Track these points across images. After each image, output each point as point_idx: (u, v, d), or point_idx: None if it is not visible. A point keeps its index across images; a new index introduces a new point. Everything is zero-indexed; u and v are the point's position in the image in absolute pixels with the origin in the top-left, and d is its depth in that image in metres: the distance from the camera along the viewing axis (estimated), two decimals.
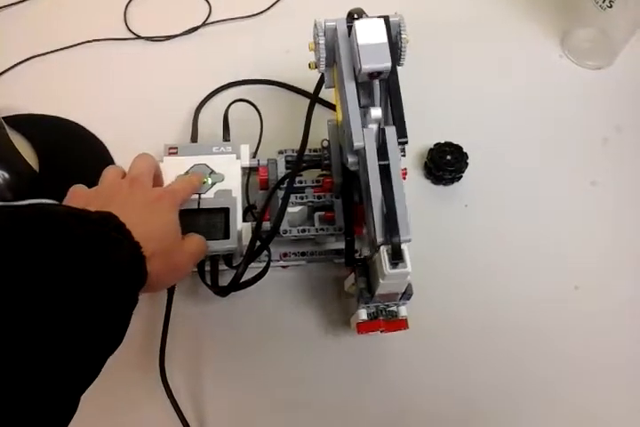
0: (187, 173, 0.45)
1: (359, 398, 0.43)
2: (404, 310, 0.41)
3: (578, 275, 0.47)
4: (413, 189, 0.50)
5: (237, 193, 0.44)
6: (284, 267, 0.47)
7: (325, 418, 0.42)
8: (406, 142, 0.37)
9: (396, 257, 0.35)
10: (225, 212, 0.43)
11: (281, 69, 0.54)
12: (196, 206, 0.43)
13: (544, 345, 0.45)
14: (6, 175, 0.47)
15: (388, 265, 0.35)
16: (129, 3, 0.60)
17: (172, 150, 0.46)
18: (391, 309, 0.41)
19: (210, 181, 0.44)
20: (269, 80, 0.54)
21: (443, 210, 0.50)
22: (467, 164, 0.51)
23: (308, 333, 0.45)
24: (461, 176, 0.52)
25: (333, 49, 0.38)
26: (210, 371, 0.43)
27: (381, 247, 0.36)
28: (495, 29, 0.60)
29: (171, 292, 0.43)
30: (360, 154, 0.38)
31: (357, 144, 0.36)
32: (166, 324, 0.43)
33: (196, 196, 0.44)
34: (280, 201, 0.43)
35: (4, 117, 0.49)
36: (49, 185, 0.48)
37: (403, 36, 0.37)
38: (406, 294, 0.39)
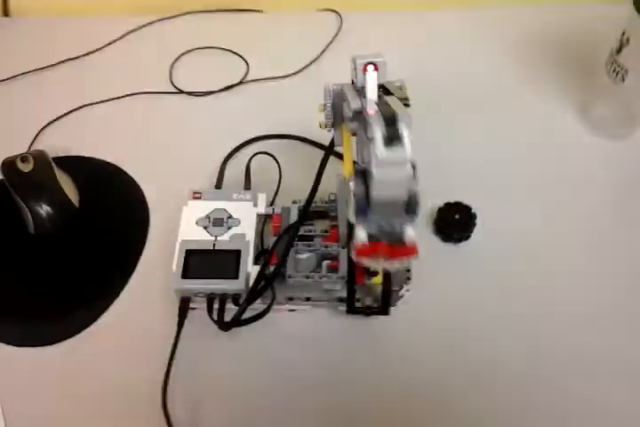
0: (207, 216, 0.49)
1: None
2: (410, 231, 0.35)
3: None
4: (425, 246, 0.53)
5: (251, 237, 0.48)
6: (290, 310, 0.51)
7: None
8: None
9: (392, 133, 0.31)
10: (237, 253, 0.47)
11: (307, 125, 0.58)
12: (211, 247, 0.47)
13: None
14: (49, 209, 0.52)
15: (380, 145, 0.31)
16: (175, 60, 0.66)
17: (197, 195, 0.50)
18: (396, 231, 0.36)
19: (228, 224, 0.49)
20: (291, 135, 0.59)
21: (450, 266, 0.53)
22: (475, 224, 0.54)
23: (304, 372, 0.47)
24: (469, 235, 0.54)
25: (341, 110, 0.42)
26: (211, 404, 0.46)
27: (374, 124, 0.31)
28: (512, 97, 0.63)
29: (180, 325, 0.47)
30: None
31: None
32: (172, 355, 0.46)
33: (213, 238, 0.48)
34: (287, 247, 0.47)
35: (53, 158, 0.56)
36: (86, 220, 0.54)
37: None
38: (411, 207, 0.35)
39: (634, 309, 0.50)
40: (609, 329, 0.49)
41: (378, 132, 0.31)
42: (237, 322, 0.46)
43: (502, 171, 0.58)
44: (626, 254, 0.53)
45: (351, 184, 0.35)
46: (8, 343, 0.48)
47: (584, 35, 0.67)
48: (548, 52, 0.67)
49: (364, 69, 0.38)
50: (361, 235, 0.35)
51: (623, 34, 0.54)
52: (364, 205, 0.34)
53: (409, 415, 0.45)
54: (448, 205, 0.55)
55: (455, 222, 0.54)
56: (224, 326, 0.46)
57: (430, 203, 0.55)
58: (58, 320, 0.49)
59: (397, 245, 0.35)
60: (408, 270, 0.51)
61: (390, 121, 0.31)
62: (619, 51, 0.55)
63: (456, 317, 0.50)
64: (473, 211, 0.54)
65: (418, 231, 0.36)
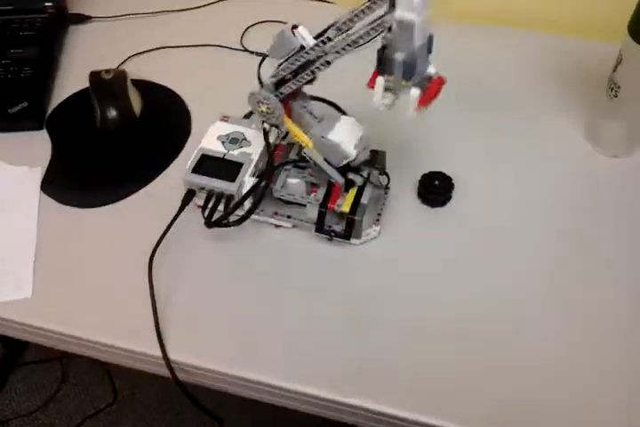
0: (226, 134, 0.62)
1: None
2: (432, 67, 0.49)
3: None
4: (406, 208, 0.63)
5: (255, 157, 0.61)
6: (276, 226, 0.62)
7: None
8: None
9: None
10: (239, 165, 0.60)
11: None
12: (221, 156, 0.60)
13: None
14: (114, 112, 0.67)
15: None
16: (250, 26, 0.81)
17: (224, 118, 0.63)
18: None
19: (240, 144, 0.61)
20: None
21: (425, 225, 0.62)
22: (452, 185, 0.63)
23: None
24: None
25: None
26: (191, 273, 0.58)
27: None
28: (519, 104, 0.72)
29: (179, 211, 0.59)
30: None
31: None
32: (165, 233, 0.58)
33: (225, 151, 0.61)
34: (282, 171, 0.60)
35: (132, 79, 0.71)
36: (142, 125, 0.69)
37: None
38: (430, 47, 0.48)
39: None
40: (580, 279, 0.58)
41: None
42: (220, 223, 0.58)
43: (497, 165, 0.67)
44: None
45: (397, 55, 0.47)
46: (73, 205, 0.64)
47: (596, 67, 0.73)
48: (559, 74, 0.75)
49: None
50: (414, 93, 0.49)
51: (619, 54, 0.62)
52: (414, 61, 0.47)
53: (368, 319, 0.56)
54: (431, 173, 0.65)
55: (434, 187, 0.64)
56: (210, 223, 0.58)
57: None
58: (108, 190, 0.65)
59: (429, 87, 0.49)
60: (379, 215, 0.62)
61: None
62: (614, 69, 0.62)
63: (418, 264, 0.59)
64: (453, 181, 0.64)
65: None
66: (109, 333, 0.55)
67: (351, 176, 0.59)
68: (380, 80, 0.50)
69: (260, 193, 0.58)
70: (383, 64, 0.49)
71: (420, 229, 0.62)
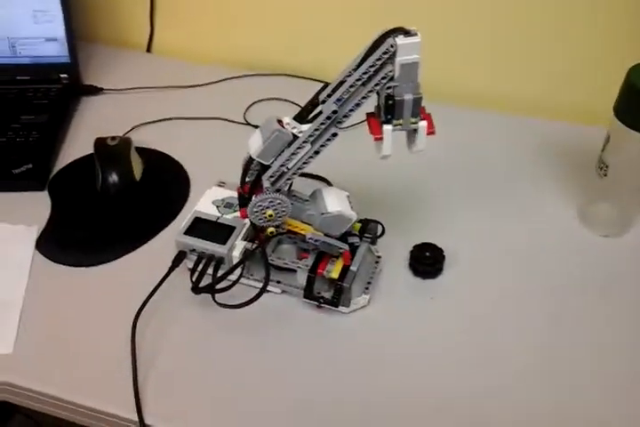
0: (222, 199, 0.63)
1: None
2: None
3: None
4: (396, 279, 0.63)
5: (248, 222, 0.61)
6: (266, 291, 0.62)
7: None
8: None
9: None
10: (231, 229, 0.61)
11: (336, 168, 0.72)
12: (214, 220, 0.61)
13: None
14: (115, 176, 0.69)
15: None
16: (252, 104, 0.84)
17: (221, 184, 0.65)
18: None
19: (234, 208, 0.62)
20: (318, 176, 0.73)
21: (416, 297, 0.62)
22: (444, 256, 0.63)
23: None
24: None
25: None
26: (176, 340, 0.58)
27: None
28: (512, 190, 0.73)
29: (168, 272, 0.59)
30: None
31: None
32: (151, 294, 0.58)
33: (219, 214, 0.62)
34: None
35: (136, 147, 0.73)
36: (142, 190, 0.71)
37: None
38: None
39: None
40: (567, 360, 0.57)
41: None
42: (208, 289, 0.58)
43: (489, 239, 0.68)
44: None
45: (407, 96, 0.51)
46: (66, 264, 0.64)
47: (588, 148, 0.73)
48: (553, 158, 0.77)
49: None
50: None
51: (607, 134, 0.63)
52: (420, 96, 0.51)
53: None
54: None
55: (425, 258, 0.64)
56: (197, 289, 0.58)
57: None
58: (102, 250, 0.66)
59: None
60: (369, 283, 0.61)
61: None
62: (603, 149, 0.64)
63: (405, 335, 0.58)
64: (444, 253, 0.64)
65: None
66: (87, 394, 0.54)
67: (351, 240, 0.59)
68: (389, 127, 0.52)
69: (245, 259, 0.58)
70: (392, 111, 0.51)
71: (409, 301, 0.61)
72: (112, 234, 0.67)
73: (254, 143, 0.54)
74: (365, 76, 0.50)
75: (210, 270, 0.60)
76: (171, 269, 0.60)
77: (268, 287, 0.61)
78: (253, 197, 0.54)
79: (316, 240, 0.57)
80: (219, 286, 0.57)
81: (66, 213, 0.69)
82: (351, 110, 0.52)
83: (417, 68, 0.50)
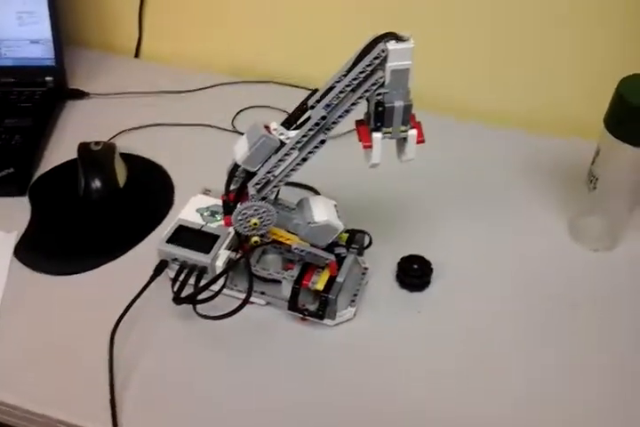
0: (207, 207, 0.62)
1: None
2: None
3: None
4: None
5: (233, 230, 0.60)
6: (249, 303, 0.61)
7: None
8: None
9: None
10: (215, 237, 0.59)
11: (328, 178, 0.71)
12: (198, 228, 0.60)
13: None
14: (98, 182, 0.68)
15: None
16: (239, 111, 0.83)
17: (206, 191, 0.64)
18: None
19: (219, 217, 0.61)
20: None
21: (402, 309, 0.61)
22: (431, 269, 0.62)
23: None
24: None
25: None
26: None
27: None
28: (501, 204, 0.72)
29: (149, 282, 0.58)
30: None
31: None
32: (131, 304, 0.56)
33: (203, 223, 0.60)
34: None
35: (121, 153, 0.72)
36: (125, 196, 0.69)
37: None
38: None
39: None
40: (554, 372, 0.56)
41: None
42: (189, 300, 0.56)
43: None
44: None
45: (397, 103, 0.50)
46: (45, 272, 0.63)
47: (578, 162, 0.74)
48: (544, 171, 0.76)
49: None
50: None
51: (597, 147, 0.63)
52: (411, 103, 0.50)
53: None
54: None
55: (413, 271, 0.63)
56: (178, 300, 0.56)
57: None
58: (82, 258, 0.64)
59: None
60: (355, 295, 0.60)
61: None
62: (593, 162, 0.63)
63: (391, 349, 0.57)
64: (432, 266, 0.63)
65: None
66: (62, 408, 0.52)
67: (338, 251, 0.58)
68: (378, 135, 0.51)
69: (228, 269, 0.57)
70: (382, 118, 0.50)
71: (396, 314, 0.60)
72: (93, 242, 0.65)
73: (240, 149, 0.53)
74: (355, 82, 0.49)
75: (192, 280, 0.59)
76: (151, 279, 0.58)
77: (252, 299, 0.60)
78: (238, 205, 0.53)
79: (301, 251, 0.56)
80: (201, 297, 0.56)
81: (46, 220, 0.67)
82: (340, 117, 0.51)
83: (408, 74, 0.49)
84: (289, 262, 0.60)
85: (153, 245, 0.60)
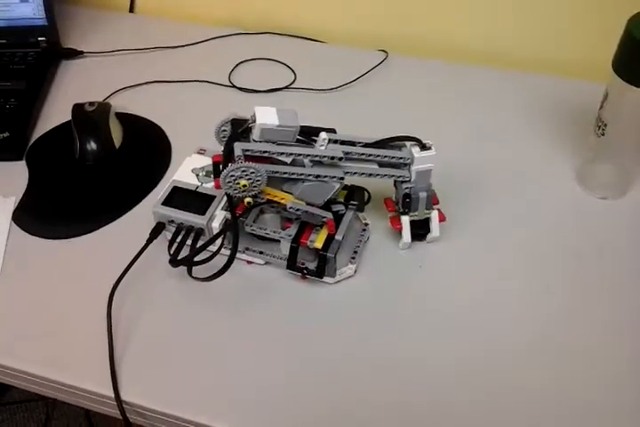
0: (202, 167, 0.61)
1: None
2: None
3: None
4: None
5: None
6: (248, 262, 0.60)
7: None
8: None
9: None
10: (211, 198, 0.58)
11: None
12: (193, 189, 0.59)
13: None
14: (94, 144, 0.67)
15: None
16: (241, 62, 0.81)
17: (201, 151, 0.62)
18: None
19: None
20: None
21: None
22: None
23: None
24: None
25: None
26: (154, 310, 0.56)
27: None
28: (507, 151, 0.70)
29: (146, 244, 0.57)
30: None
31: None
32: (130, 265, 0.56)
33: (199, 183, 0.59)
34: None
35: (116, 112, 0.70)
36: (121, 157, 0.68)
37: None
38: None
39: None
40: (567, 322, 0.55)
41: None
42: (186, 262, 0.55)
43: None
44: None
45: (422, 194, 0.57)
46: (43, 236, 0.62)
47: (587, 106, 0.71)
48: (550, 115, 0.73)
49: None
50: None
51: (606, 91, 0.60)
52: (433, 192, 0.58)
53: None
54: None
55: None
56: (175, 262, 0.56)
57: None
58: (80, 221, 0.64)
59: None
60: (355, 253, 0.59)
61: None
62: (601, 106, 0.60)
63: (392, 305, 0.56)
64: None
65: None
66: (61, 369, 0.52)
67: (335, 208, 0.57)
68: (406, 218, 0.58)
69: (226, 229, 0.56)
70: (409, 205, 0.58)
71: (398, 269, 0.59)
72: (90, 205, 0.65)
73: (266, 119, 0.51)
74: (379, 159, 0.55)
75: (189, 241, 0.58)
76: (148, 242, 0.58)
77: (251, 258, 0.59)
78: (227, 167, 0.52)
79: (297, 209, 0.55)
80: (198, 258, 0.55)
81: (44, 184, 0.66)
82: (355, 173, 0.55)
83: (430, 173, 0.56)
84: (287, 221, 0.59)
85: (151, 207, 0.60)
